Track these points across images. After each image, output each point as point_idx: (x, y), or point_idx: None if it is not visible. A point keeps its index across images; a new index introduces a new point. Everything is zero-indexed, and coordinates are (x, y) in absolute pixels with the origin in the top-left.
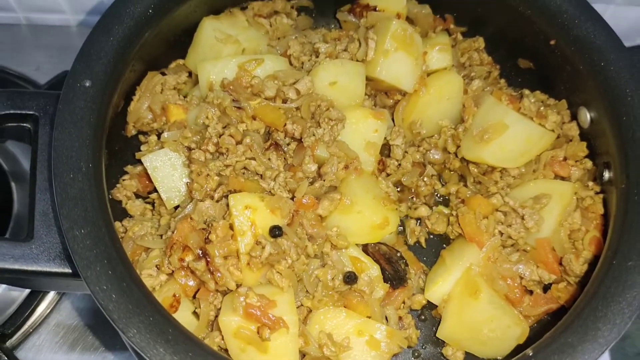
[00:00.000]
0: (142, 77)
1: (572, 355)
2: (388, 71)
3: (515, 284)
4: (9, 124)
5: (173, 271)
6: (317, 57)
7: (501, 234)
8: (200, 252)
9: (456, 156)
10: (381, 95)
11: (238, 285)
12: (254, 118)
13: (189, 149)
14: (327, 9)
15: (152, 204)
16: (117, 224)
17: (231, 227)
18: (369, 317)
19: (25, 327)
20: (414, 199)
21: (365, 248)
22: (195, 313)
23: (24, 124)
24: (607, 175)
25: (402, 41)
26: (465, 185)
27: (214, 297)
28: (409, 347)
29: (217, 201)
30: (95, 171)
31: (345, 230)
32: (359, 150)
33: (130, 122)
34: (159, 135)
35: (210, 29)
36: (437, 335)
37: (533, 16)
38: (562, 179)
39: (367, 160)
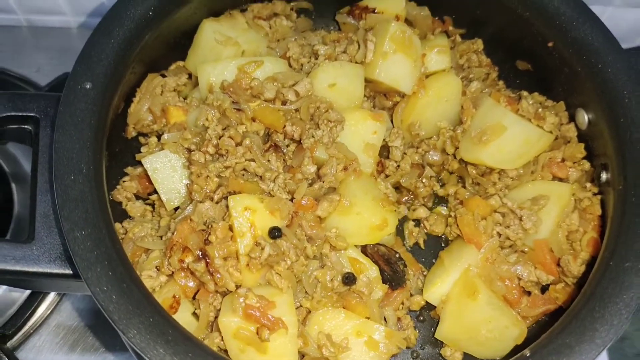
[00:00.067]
0: (142, 79)
1: (570, 355)
2: (387, 73)
3: (514, 285)
4: (10, 126)
5: (173, 272)
6: (316, 59)
7: (499, 235)
8: (200, 253)
9: (455, 157)
10: (380, 96)
11: (237, 286)
12: (253, 120)
13: (189, 150)
14: (326, 11)
15: (152, 205)
16: (118, 225)
17: (231, 229)
18: (368, 318)
19: (26, 328)
20: (413, 200)
21: (364, 249)
22: (195, 314)
23: (25, 126)
24: (604, 176)
25: (400, 43)
26: (464, 187)
27: (213, 298)
28: (407, 347)
29: (217, 202)
30: (95, 173)
31: (344, 231)
32: (357, 152)
33: (131, 123)
34: (159, 137)
35: (210, 31)
36: (435, 335)
37: (531, 18)
38: (560, 180)
39: (366, 161)
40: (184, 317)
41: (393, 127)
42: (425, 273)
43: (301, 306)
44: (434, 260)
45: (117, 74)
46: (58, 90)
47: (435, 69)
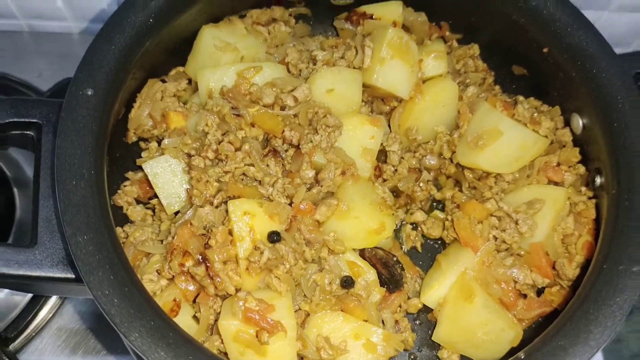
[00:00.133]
0: (143, 85)
1: (564, 357)
2: (384, 78)
3: (510, 288)
4: (13, 132)
5: (173, 276)
6: (314, 64)
7: (495, 238)
8: (200, 257)
9: (451, 162)
10: (378, 101)
11: (237, 290)
12: (252, 125)
13: (189, 155)
14: (324, 16)
15: (153, 209)
16: (119, 230)
17: (230, 233)
18: (366, 321)
19: (28, 331)
20: (410, 204)
21: (362, 253)
22: (195, 317)
23: (28, 132)
24: (598, 180)
25: (398, 49)
26: (461, 191)
27: (213, 302)
28: (405, 350)
29: (217, 207)
30: (97, 178)
31: (342, 235)
32: (355, 157)
33: (131, 128)
34: (159, 142)
35: (209, 37)
36: (432, 338)
37: (526, 24)
38: (556, 184)
39: (363, 166)
40: (184, 320)
41: (390, 131)
42: (422, 276)
43: (300, 309)
44: (431, 264)
45: (118, 80)
46: (60, 95)
47: (432, 74)
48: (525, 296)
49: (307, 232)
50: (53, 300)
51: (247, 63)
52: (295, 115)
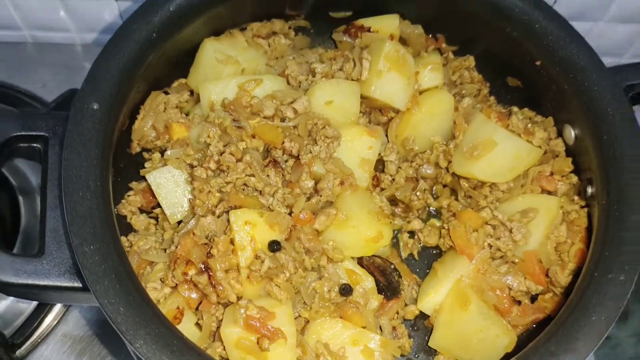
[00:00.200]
0: (146, 97)
1: None
2: (382, 90)
3: (504, 295)
4: (20, 145)
5: (177, 284)
6: (313, 76)
7: (490, 246)
8: (203, 266)
9: (448, 171)
10: (375, 112)
11: (239, 298)
12: (253, 136)
13: (191, 166)
14: (323, 29)
15: (156, 218)
16: (123, 239)
17: (232, 242)
18: (364, 328)
19: (34, 337)
20: (408, 212)
21: (360, 261)
22: (197, 324)
23: (35, 144)
24: (590, 190)
25: (395, 62)
26: (457, 199)
27: (215, 309)
28: (402, 355)
29: (219, 217)
30: (102, 189)
31: (340, 244)
32: (354, 167)
33: (135, 139)
34: (162, 153)
35: (211, 50)
36: (429, 344)
37: (520, 38)
38: (549, 193)
39: (361, 176)
40: (187, 327)
41: (388, 142)
42: (419, 283)
43: (300, 316)
44: (427, 271)
45: (122, 94)
46: (64, 106)
47: (429, 85)
48: (519, 303)
49: (306, 241)
50: (58, 307)
51: (247, 76)
52: (295, 127)
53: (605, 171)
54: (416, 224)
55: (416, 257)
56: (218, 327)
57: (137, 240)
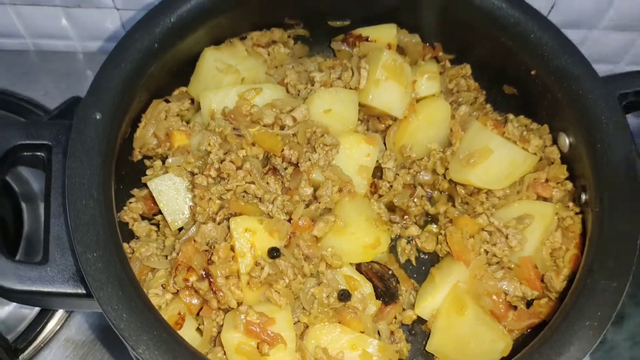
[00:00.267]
0: (148, 105)
1: None
2: (379, 99)
3: (500, 300)
4: (24, 153)
5: (178, 290)
6: (312, 85)
7: (486, 252)
8: (204, 272)
9: (444, 178)
10: (373, 120)
11: (239, 304)
12: (253, 144)
13: (192, 174)
14: (322, 38)
15: (157, 225)
16: (125, 245)
17: (232, 249)
18: (362, 332)
19: (37, 342)
20: (405, 218)
21: (358, 267)
22: (198, 330)
23: (38, 153)
24: (584, 197)
25: (392, 71)
26: (454, 206)
27: (216, 315)
28: None
29: (219, 224)
30: (105, 197)
31: (339, 250)
32: (352, 174)
33: (137, 147)
34: (163, 160)
35: (211, 59)
36: (426, 348)
37: (515, 48)
38: (545, 199)
39: (359, 183)
40: (188, 332)
41: (386, 149)
42: (417, 288)
43: (299, 321)
44: (425, 277)
45: (125, 104)
46: (67, 113)
47: (426, 94)
48: (515, 308)
49: (305, 248)
50: (60, 312)
51: (247, 85)
52: (294, 135)
53: (598, 178)
54: (414, 230)
55: (414, 262)
56: (219, 333)
57: (138, 247)
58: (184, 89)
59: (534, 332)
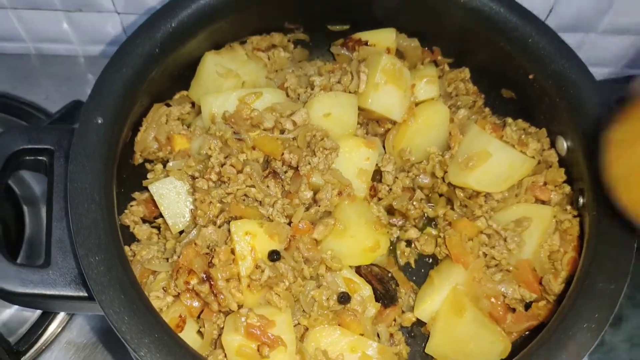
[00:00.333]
0: (149, 109)
1: None
2: (378, 103)
3: (499, 303)
4: (27, 157)
5: (179, 293)
6: (312, 89)
7: (485, 255)
8: (204, 275)
9: (443, 181)
10: (373, 123)
11: (239, 306)
12: (253, 148)
13: (193, 177)
14: (322, 42)
15: (158, 228)
16: (126, 248)
17: (233, 252)
18: (362, 335)
19: (38, 344)
20: (405, 221)
21: (358, 269)
22: (199, 332)
23: (40, 157)
24: (581, 201)
25: (391, 75)
26: (452, 209)
27: (217, 318)
28: None
29: (220, 227)
30: (107, 201)
31: (339, 253)
32: (351, 178)
33: (138, 151)
34: (164, 164)
35: (212, 64)
36: (425, 351)
37: (513, 52)
38: (543, 202)
39: (359, 186)
40: (189, 335)
41: (385, 152)
42: (416, 291)
43: (299, 324)
44: (424, 279)
45: (126, 108)
46: (68, 117)
47: (425, 97)
48: (513, 310)
49: (305, 251)
50: (62, 315)
51: (248, 89)
52: (294, 139)
53: (595, 183)
54: (413, 233)
55: (413, 265)
56: (219, 335)
57: (140, 250)
58: (184, 93)
59: (533, 334)
